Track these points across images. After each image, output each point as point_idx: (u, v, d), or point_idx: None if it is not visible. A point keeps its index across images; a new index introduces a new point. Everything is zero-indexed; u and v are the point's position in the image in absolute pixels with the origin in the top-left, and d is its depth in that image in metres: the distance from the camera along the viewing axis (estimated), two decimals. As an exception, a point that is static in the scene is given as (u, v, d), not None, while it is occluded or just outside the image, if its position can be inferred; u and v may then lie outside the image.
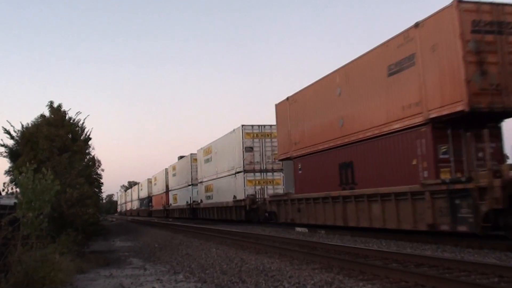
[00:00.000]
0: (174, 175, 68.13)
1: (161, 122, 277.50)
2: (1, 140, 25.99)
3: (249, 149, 38.48)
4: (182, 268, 14.36)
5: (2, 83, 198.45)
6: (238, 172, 39.57)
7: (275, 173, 38.98)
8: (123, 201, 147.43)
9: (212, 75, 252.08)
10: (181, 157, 66.50)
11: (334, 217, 23.46)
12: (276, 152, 35.50)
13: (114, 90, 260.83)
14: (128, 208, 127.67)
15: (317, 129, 25.68)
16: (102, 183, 34.27)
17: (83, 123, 28.51)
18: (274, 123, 32.84)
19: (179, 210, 63.64)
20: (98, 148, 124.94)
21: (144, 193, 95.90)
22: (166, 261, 16.68)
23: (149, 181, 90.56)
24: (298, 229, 27.06)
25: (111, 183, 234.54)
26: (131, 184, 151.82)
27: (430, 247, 15.82)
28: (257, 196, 36.72)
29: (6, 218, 9.31)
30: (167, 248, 21.22)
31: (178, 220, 57.04)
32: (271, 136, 38.13)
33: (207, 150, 49.81)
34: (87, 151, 28.75)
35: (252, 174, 38.44)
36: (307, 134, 26.83)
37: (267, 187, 37.91)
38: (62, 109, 26.86)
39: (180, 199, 62.68)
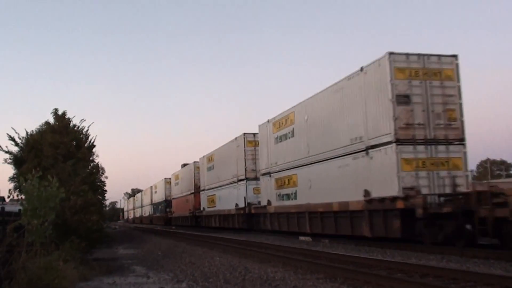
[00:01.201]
0: (210, 168, 50.01)
1: (165, 131, 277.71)
2: (6, 147, 26.04)
3: (403, 98, 20.15)
4: (185, 277, 14.33)
5: (7, 89, 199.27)
6: (377, 146, 21.00)
7: (450, 147, 20.33)
8: (130, 207, 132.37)
9: (216, 80, 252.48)
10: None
11: None
12: (452, 106, 20.10)
13: (117, 98, 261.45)
14: (138, 215, 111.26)
15: None
16: (105, 191, 34.21)
17: (87, 130, 28.53)
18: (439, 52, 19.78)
19: (221, 217, 45.52)
20: (101, 156, 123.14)
21: (159, 196, 78.71)
22: (169, 269, 16.66)
23: (167, 181, 73.89)
24: (302, 238, 26.99)
25: (115, 190, 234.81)
26: (135, 192, 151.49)
27: (435, 257, 15.76)
28: (427, 190, 19.50)
29: (11, 225, 9.32)
30: (170, 256, 21.20)
31: (182, 228, 53.90)
32: (440, 75, 20.62)
33: (284, 121, 31.21)
34: (91, 158, 28.75)
35: (411, 147, 19.89)
36: None
37: (437, 174, 19.98)
38: (67, 116, 26.93)
39: (222, 202, 44.55)
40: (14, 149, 26.05)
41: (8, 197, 14.80)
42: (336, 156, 24.20)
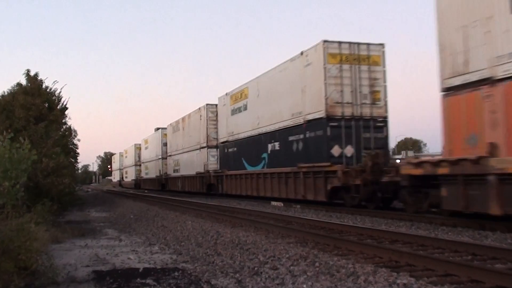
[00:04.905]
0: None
1: (137, 95, 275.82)
2: (-24, 107, 25.66)
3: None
4: (157, 240, 14.39)
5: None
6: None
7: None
8: (129, 162, 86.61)
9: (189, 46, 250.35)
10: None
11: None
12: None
13: (89, 61, 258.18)
14: (153, 175, 64.22)
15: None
16: (78, 153, 34.06)
17: (60, 92, 28.21)
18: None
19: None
20: (74, 118, 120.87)
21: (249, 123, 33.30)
22: (141, 232, 16.70)
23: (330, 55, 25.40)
24: (274, 203, 27.20)
25: (87, 153, 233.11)
26: (108, 155, 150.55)
27: (405, 224, 16.03)
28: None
29: (-18, 187, 9.23)
30: (142, 220, 21.23)
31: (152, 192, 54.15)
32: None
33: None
34: (63, 120, 28.50)
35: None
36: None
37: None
38: (39, 78, 26.59)
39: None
40: (-15, 110, 25.70)
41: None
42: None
